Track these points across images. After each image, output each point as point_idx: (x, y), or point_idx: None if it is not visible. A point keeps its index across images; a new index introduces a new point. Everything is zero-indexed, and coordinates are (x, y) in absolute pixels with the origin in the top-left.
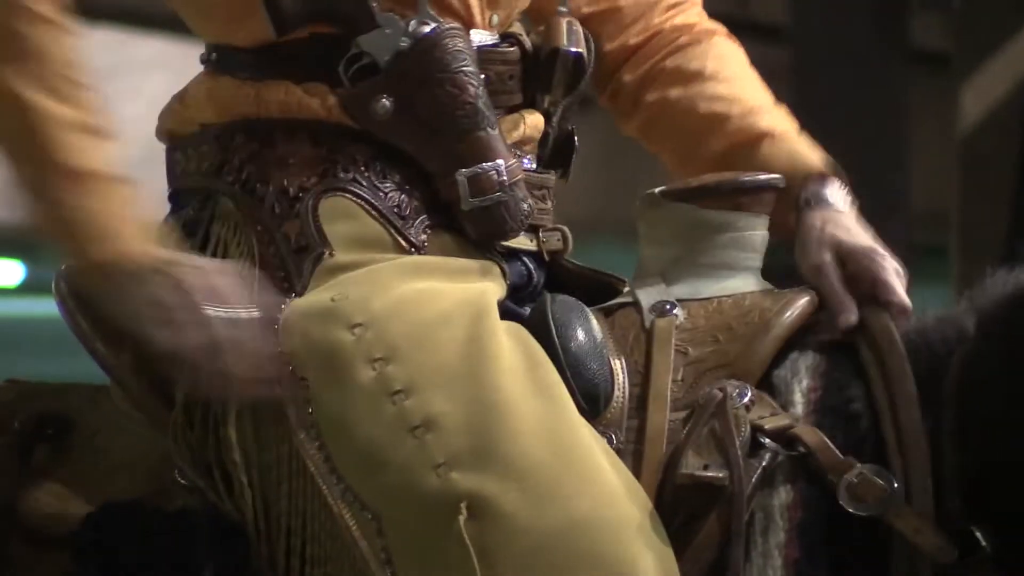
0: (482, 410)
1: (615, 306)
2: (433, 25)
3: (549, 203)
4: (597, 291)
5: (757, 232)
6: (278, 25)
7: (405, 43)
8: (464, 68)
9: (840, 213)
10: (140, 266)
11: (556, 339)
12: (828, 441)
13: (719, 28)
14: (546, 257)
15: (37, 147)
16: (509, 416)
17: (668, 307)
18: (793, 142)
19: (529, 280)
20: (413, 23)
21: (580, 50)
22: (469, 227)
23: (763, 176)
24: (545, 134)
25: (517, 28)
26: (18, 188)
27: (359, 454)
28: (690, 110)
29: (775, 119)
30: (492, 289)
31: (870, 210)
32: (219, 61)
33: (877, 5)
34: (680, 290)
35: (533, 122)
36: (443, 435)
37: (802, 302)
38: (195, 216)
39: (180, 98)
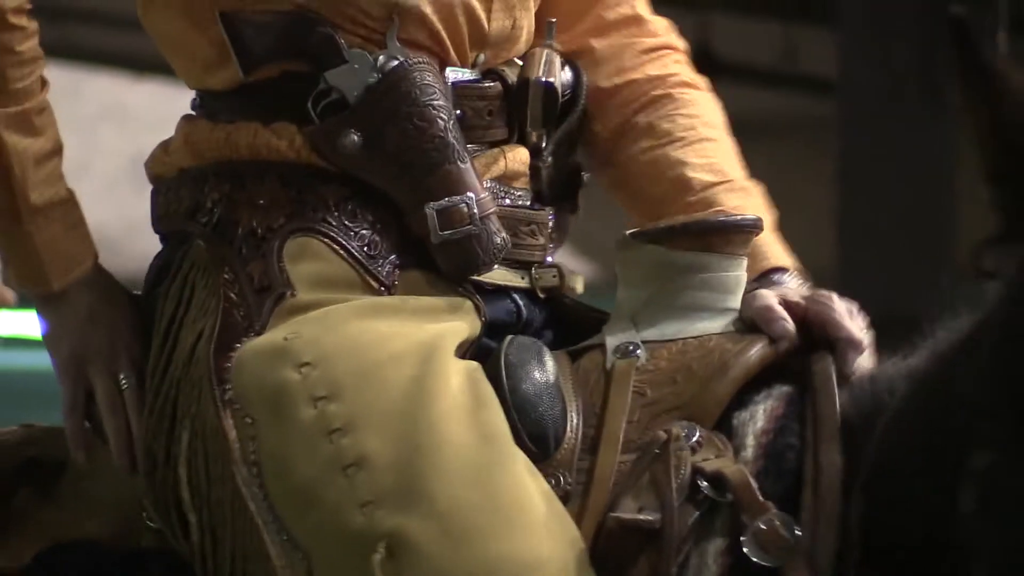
0: (413, 449)
1: (583, 348)
2: (401, 59)
3: (542, 239)
4: (598, 330)
5: (730, 273)
6: (244, 63)
7: (373, 78)
8: (433, 102)
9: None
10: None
11: (505, 380)
12: (753, 482)
13: (699, 81)
14: (540, 294)
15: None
16: (439, 456)
17: (631, 348)
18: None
19: (518, 317)
20: (382, 58)
21: (552, 80)
22: (440, 261)
23: (736, 217)
24: (536, 168)
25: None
26: None
27: (295, 492)
28: (657, 175)
29: (740, 197)
30: (456, 328)
31: (916, 260)
32: (199, 106)
33: (925, 57)
34: (648, 332)
35: (516, 156)
36: (373, 474)
37: (765, 343)
38: (169, 257)
39: (165, 145)
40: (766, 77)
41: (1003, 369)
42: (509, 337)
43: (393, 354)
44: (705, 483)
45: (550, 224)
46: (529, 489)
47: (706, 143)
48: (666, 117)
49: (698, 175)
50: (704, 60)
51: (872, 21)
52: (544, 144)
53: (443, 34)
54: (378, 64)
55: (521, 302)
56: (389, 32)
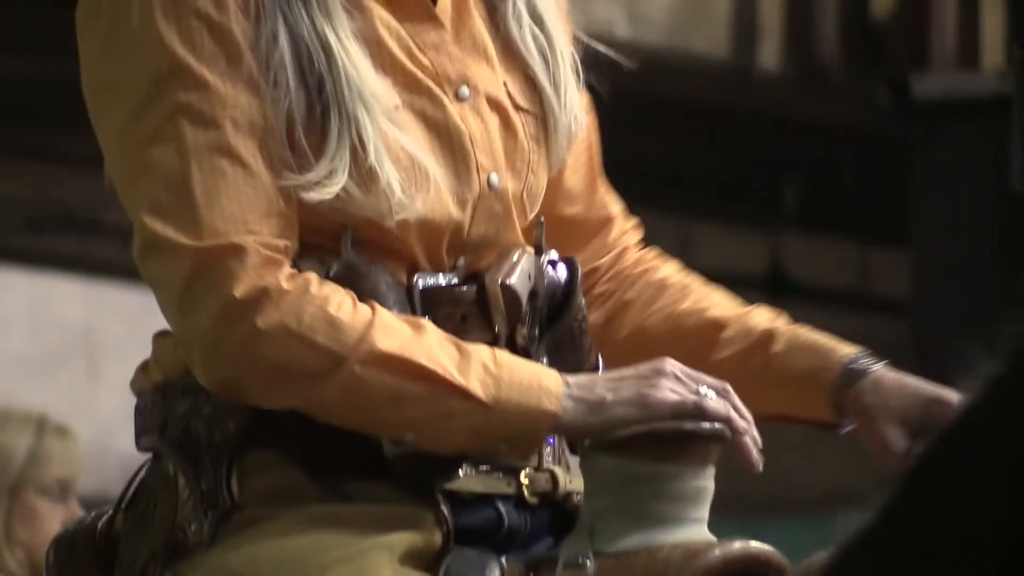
0: None
1: (540, 560)
2: (353, 265)
3: None
4: None
5: (689, 483)
6: None
7: None
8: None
9: (887, 372)
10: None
11: None
12: None
13: (672, 264)
14: (530, 500)
15: (455, 400)
16: None
17: (581, 560)
18: (802, 333)
19: (500, 526)
20: (335, 266)
21: (510, 281)
22: (399, 472)
23: (688, 425)
24: None
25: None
26: (432, 445)
27: None
28: (675, 328)
29: (766, 316)
30: (403, 540)
31: None
32: None
33: (999, 279)
34: (603, 543)
35: None
36: None
37: (715, 554)
38: (144, 478)
39: (144, 363)
40: (840, 299)
41: None
42: (456, 550)
43: (324, 565)
44: None
45: None
46: None
47: (703, 291)
48: (654, 279)
49: (720, 315)
50: (776, 282)
51: (947, 242)
52: (534, 346)
53: (412, 240)
54: (330, 273)
55: (504, 509)
56: (344, 239)
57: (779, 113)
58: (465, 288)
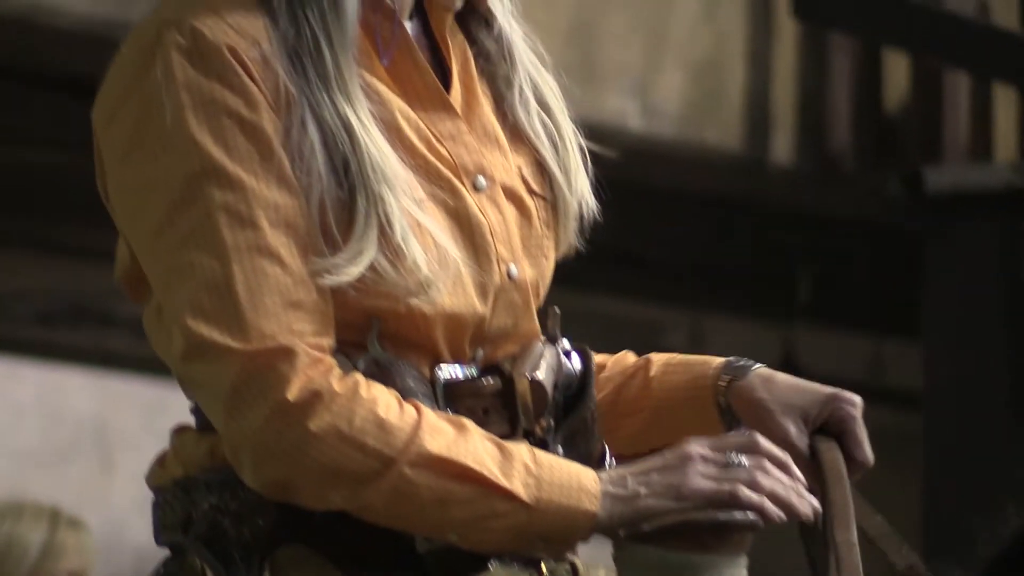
0: None
1: None
2: (380, 360)
3: None
4: None
5: (722, 572)
6: None
7: None
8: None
9: (770, 374)
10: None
11: None
12: None
13: None
14: None
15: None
16: None
17: None
18: (676, 355)
19: None
20: (361, 362)
21: (538, 374)
22: (430, 567)
23: (722, 516)
24: None
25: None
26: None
27: None
28: (672, 395)
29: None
30: None
31: None
32: (193, 412)
33: (1012, 372)
34: None
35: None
36: None
37: None
38: (165, 574)
39: (160, 457)
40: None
41: None
42: None
43: None
44: None
45: None
46: None
47: (687, 357)
48: (651, 364)
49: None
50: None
51: (959, 334)
52: (552, 438)
53: (436, 333)
54: (359, 369)
55: None
56: (370, 334)
57: (792, 205)
58: (486, 381)
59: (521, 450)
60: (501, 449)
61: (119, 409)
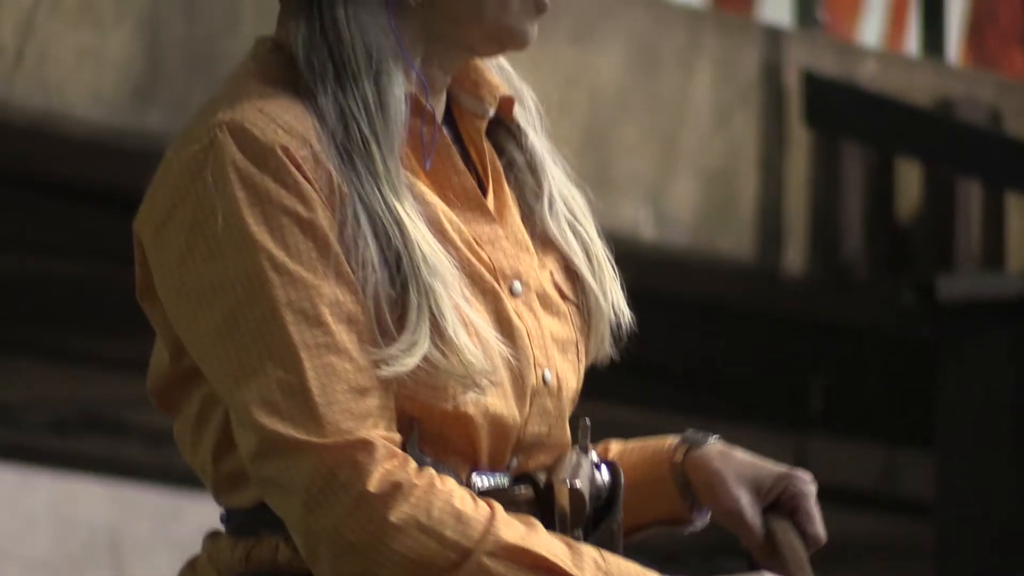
0: None
1: None
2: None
3: None
4: None
5: None
6: None
7: None
8: None
9: (728, 448)
10: None
11: None
12: None
13: None
14: None
15: None
16: None
17: None
18: (631, 440)
19: None
20: None
21: (578, 482)
22: None
23: None
24: None
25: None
26: None
27: None
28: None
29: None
30: None
31: None
32: (225, 520)
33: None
34: None
35: None
36: None
37: None
38: None
39: (191, 563)
40: (864, 500)
41: None
42: None
43: None
44: None
45: None
46: None
47: (645, 438)
48: (609, 448)
49: (664, 442)
50: None
51: (972, 443)
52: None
53: (478, 435)
54: None
55: None
56: (410, 438)
57: (804, 314)
58: (519, 490)
59: (587, 547)
60: (569, 545)
61: (132, 518)
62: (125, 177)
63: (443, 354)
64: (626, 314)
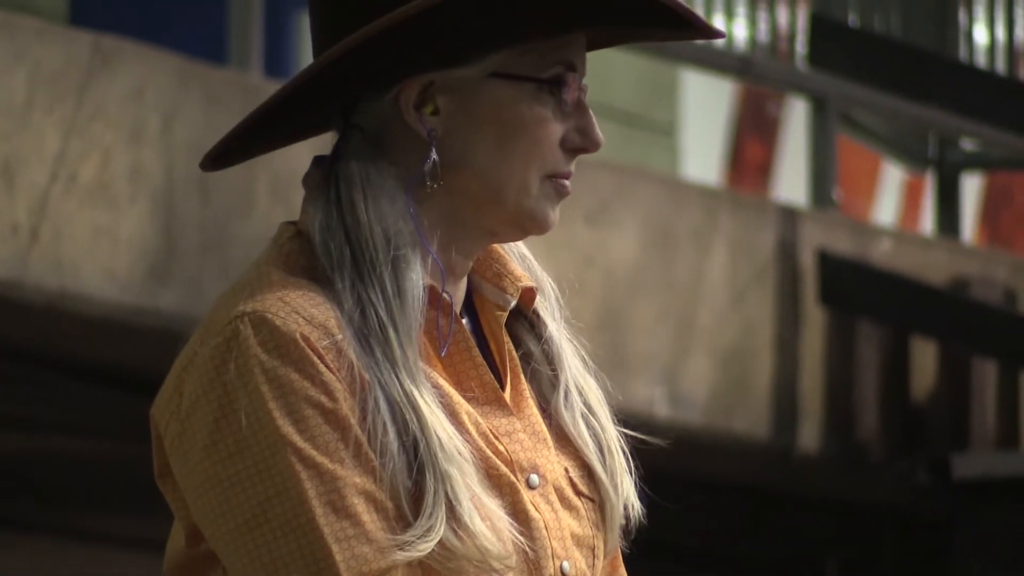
0: None
1: None
2: None
3: None
4: None
5: None
6: None
7: None
8: None
9: None
10: None
11: None
12: None
13: None
14: None
15: None
16: None
17: None
18: None
19: None
20: None
21: None
22: None
23: None
24: None
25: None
26: None
27: None
28: None
29: None
30: None
31: None
32: None
33: None
34: None
35: None
36: None
37: None
38: None
39: None
40: None
41: None
42: None
43: None
44: None
45: None
46: None
47: None
48: None
49: None
50: None
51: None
52: None
53: None
54: None
55: None
56: None
57: (819, 494)
58: None
59: None
60: None
61: None
62: (139, 356)
63: (459, 539)
64: (636, 506)
